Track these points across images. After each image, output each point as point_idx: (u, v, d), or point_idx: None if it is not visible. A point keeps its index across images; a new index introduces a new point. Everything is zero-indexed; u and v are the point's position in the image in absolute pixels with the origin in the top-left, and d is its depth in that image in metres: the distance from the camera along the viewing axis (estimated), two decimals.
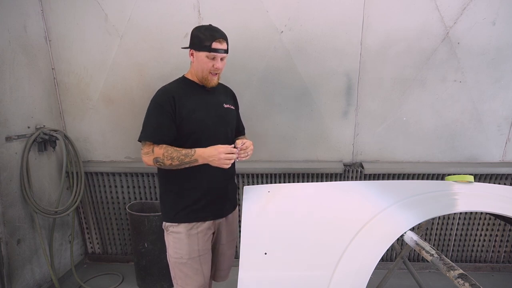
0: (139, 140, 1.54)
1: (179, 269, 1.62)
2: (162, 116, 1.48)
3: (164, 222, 1.65)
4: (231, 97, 1.79)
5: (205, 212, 1.61)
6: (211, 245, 1.70)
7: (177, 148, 1.47)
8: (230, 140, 1.71)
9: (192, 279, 1.62)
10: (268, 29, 2.34)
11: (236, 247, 1.90)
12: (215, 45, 1.48)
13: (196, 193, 1.58)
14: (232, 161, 1.46)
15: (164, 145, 1.48)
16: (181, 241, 1.58)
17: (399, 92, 2.43)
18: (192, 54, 1.55)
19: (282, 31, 2.34)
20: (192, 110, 1.53)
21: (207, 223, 1.63)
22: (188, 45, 1.58)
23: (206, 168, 1.54)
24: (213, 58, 1.50)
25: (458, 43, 2.30)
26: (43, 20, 2.41)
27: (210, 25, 1.54)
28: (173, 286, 2.49)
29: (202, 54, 1.50)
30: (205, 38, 1.48)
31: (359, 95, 2.46)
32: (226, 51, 1.54)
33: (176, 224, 1.59)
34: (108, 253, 2.95)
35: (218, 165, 1.44)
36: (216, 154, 1.42)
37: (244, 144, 1.54)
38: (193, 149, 1.46)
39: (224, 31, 1.55)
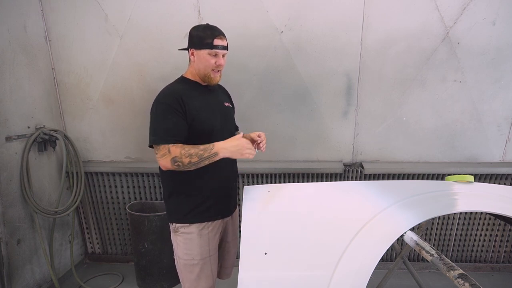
0: (151, 145, 1.46)
1: (190, 270, 1.60)
2: (172, 116, 1.44)
3: (174, 224, 1.61)
4: (228, 96, 1.81)
5: (214, 211, 1.61)
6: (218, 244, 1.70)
7: (194, 145, 1.41)
8: None
9: (202, 280, 1.61)
10: (268, 29, 2.34)
11: (238, 244, 1.91)
12: (217, 41, 1.49)
13: (205, 192, 1.58)
14: (254, 151, 1.44)
15: (180, 144, 1.42)
16: (193, 242, 1.57)
17: (399, 92, 2.43)
18: (192, 54, 1.55)
19: (282, 31, 2.34)
20: (200, 109, 1.52)
21: (217, 222, 1.63)
22: (186, 47, 1.58)
23: (213, 167, 1.53)
24: (215, 55, 1.51)
25: (458, 43, 2.30)
26: (43, 20, 2.41)
27: (207, 24, 1.55)
28: (173, 286, 2.51)
29: (204, 52, 1.50)
30: (205, 36, 1.49)
31: (359, 95, 2.46)
32: (227, 48, 1.55)
33: (188, 224, 1.57)
34: (108, 253, 2.95)
35: (241, 155, 1.40)
36: (240, 144, 1.39)
37: (261, 135, 1.59)
38: (211, 144, 1.41)
39: (224, 31, 1.56)
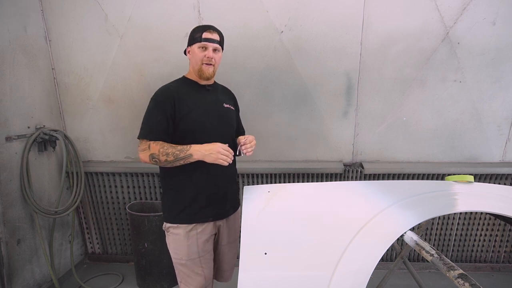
0: (138, 138, 1.54)
1: (180, 269, 1.63)
2: (160, 114, 1.49)
3: (164, 223, 1.64)
4: (232, 98, 1.80)
5: (205, 213, 1.60)
6: (212, 246, 1.69)
7: (173, 145, 1.47)
8: (229, 139, 1.71)
9: (192, 279, 1.62)
10: (268, 28, 2.34)
11: (237, 247, 1.90)
12: (206, 35, 1.52)
13: (196, 194, 1.58)
14: (230, 159, 1.44)
15: (161, 142, 1.48)
16: (180, 242, 1.58)
17: (399, 92, 2.43)
18: (189, 52, 1.60)
19: (282, 31, 2.34)
20: (191, 108, 1.54)
21: (207, 225, 1.62)
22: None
23: (206, 168, 1.54)
24: (205, 49, 1.53)
25: (458, 43, 2.30)
26: (43, 20, 2.41)
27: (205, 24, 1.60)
28: (173, 286, 2.51)
29: (195, 47, 1.55)
30: (197, 31, 1.55)
31: (359, 95, 2.46)
32: (219, 43, 1.56)
33: (176, 225, 1.58)
34: (108, 253, 2.95)
35: (214, 160, 1.42)
36: (214, 148, 1.41)
37: (246, 139, 1.60)
38: (188, 145, 1.45)
39: (224, 31, 1.58)
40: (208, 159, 1.43)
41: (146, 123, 1.52)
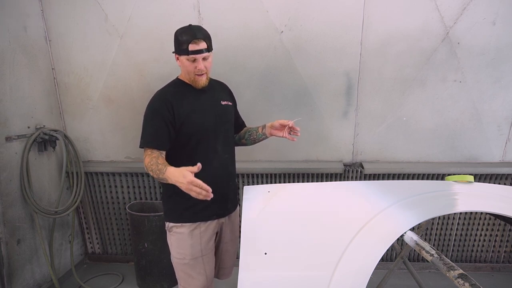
0: (140, 147, 1.54)
1: (182, 269, 1.62)
2: (159, 121, 1.49)
3: (167, 223, 1.64)
4: (228, 92, 1.78)
5: (208, 211, 1.61)
6: (214, 244, 1.70)
7: (160, 161, 1.39)
8: (230, 137, 1.72)
9: (195, 279, 1.62)
10: (268, 28, 2.34)
11: (237, 244, 1.90)
12: (192, 47, 1.44)
13: None
14: (203, 195, 1.25)
15: (156, 154, 1.44)
16: (184, 242, 1.58)
17: (399, 92, 2.43)
18: (177, 59, 1.54)
19: (282, 31, 2.34)
20: (190, 111, 1.53)
21: (211, 223, 1.63)
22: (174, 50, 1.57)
23: (209, 168, 1.55)
24: (194, 60, 1.48)
25: (458, 43, 2.30)
26: (43, 20, 2.41)
27: (189, 25, 1.51)
28: (173, 286, 2.51)
29: (183, 58, 1.49)
30: (182, 41, 1.46)
31: (359, 95, 2.46)
32: (207, 50, 1.49)
33: (180, 224, 1.58)
34: (108, 253, 2.95)
35: (186, 190, 1.26)
36: (185, 183, 1.24)
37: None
38: (166, 167, 1.34)
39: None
40: (181, 187, 1.28)
41: (146, 131, 1.52)
